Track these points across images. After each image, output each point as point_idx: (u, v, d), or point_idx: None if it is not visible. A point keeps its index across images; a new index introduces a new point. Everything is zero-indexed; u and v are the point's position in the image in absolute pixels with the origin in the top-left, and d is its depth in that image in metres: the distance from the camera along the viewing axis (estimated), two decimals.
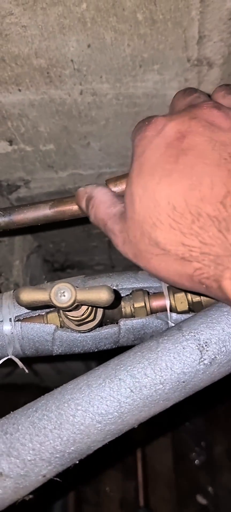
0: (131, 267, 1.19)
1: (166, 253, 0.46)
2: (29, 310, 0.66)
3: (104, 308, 0.58)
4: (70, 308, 0.51)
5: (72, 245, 1.20)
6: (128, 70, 0.67)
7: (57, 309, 0.65)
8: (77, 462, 0.49)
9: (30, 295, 0.50)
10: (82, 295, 0.50)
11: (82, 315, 0.57)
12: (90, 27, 0.60)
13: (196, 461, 2.45)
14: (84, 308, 0.57)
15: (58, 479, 0.49)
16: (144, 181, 0.48)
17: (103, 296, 0.49)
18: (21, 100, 0.71)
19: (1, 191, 0.93)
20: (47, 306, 0.54)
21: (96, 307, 0.61)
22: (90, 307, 0.58)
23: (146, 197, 0.48)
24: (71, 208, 0.56)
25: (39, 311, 0.66)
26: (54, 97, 0.71)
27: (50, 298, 0.50)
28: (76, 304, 0.51)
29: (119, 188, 0.59)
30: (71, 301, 0.50)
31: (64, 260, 1.28)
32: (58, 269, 1.32)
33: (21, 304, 0.51)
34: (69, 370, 2.00)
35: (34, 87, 0.69)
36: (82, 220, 0.63)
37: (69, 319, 0.60)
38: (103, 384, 0.49)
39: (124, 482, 2.44)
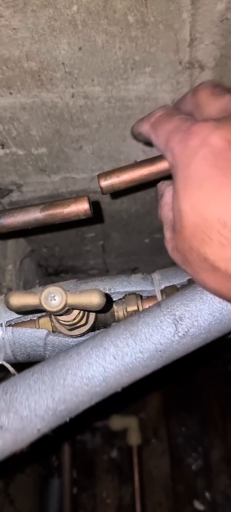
0: (125, 271, 1.19)
1: (216, 269, 0.46)
2: (20, 315, 0.65)
3: (96, 312, 0.58)
4: (61, 312, 0.50)
5: (66, 250, 1.19)
6: (119, 73, 0.66)
7: (48, 313, 0.65)
8: (68, 420, 0.55)
9: (20, 299, 0.50)
10: (73, 299, 0.49)
11: (74, 319, 0.57)
12: (81, 30, 0.59)
13: (193, 466, 2.44)
14: (76, 312, 0.56)
15: (51, 434, 0.55)
16: (191, 196, 0.46)
17: (94, 299, 0.49)
18: (12, 104, 0.71)
19: None
20: (38, 310, 0.53)
21: (88, 311, 0.60)
22: (82, 312, 0.57)
23: (194, 213, 0.46)
24: (62, 211, 0.56)
25: (31, 316, 0.66)
26: (46, 101, 0.70)
27: (40, 302, 0.49)
28: (67, 308, 0.50)
29: (108, 181, 0.59)
30: (62, 305, 0.49)
31: (58, 264, 1.27)
32: (52, 273, 1.31)
33: (11, 308, 0.51)
34: None
35: (25, 90, 0.68)
36: (74, 223, 0.63)
37: (61, 323, 0.59)
38: (90, 352, 0.54)
39: (120, 487, 2.43)
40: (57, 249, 1.18)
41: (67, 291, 0.50)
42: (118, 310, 0.65)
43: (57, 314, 0.51)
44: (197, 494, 2.32)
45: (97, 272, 1.32)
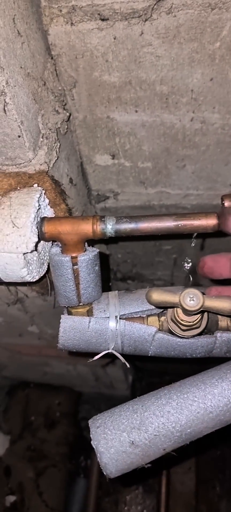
0: (190, 286, 1.24)
1: None
2: (132, 311, 0.72)
3: (229, 316, 0.64)
4: (196, 312, 0.57)
5: (139, 258, 1.26)
6: None
7: (158, 313, 0.71)
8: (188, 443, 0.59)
9: (161, 295, 0.56)
10: (209, 302, 0.56)
11: (194, 321, 0.63)
12: (217, 63, 0.66)
13: (218, 489, 2.45)
14: (198, 315, 0.62)
15: (174, 454, 0.60)
16: None
17: (228, 306, 0.55)
18: (135, 120, 0.78)
19: (90, 200, 1.00)
20: (170, 307, 0.59)
21: (202, 317, 0.66)
22: (200, 316, 0.63)
23: None
24: (192, 223, 0.62)
25: (141, 313, 0.72)
26: (165, 121, 0.77)
27: (179, 301, 0.56)
28: (201, 309, 0.57)
29: None
30: (199, 305, 0.55)
31: (128, 270, 1.34)
32: (120, 279, 1.38)
33: (151, 302, 0.57)
34: (107, 376, 2.05)
35: (150, 110, 0.76)
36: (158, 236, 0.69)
37: (177, 323, 0.65)
38: (216, 383, 0.59)
39: (144, 497, 2.45)
40: (132, 256, 1.25)
41: (204, 294, 0.56)
42: (221, 320, 0.71)
43: (192, 314, 0.57)
44: None
45: (162, 283, 1.38)
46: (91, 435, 0.61)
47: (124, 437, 0.58)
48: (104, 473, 0.61)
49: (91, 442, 0.61)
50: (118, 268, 1.33)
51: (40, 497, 2.35)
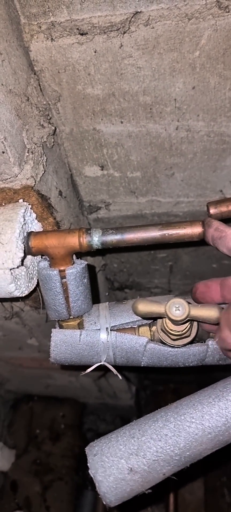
0: (187, 293, 1.24)
1: None
2: (123, 322, 0.72)
3: (216, 324, 0.63)
4: (182, 322, 0.56)
5: (135, 267, 1.26)
6: (224, 111, 0.73)
7: (148, 323, 0.71)
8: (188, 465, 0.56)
9: (147, 306, 0.56)
10: (195, 311, 0.55)
11: (183, 330, 0.62)
12: (198, 72, 0.66)
13: (227, 497, 2.42)
14: (186, 324, 0.62)
15: (174, 478, 0.57)
16: None
17: (214, 314, 0.55)
18: (121, 131, 0.78)
19: (82, 211, 1.01)
20: (158, 317, 0.59)
21: (192, 326, 0.66)
22: (189, 325, 0.63)
23: None
24: (178, 232, 0.62)
25: (132, 323, 0.72)
26: (151, 131, 0.78)
27: (165, 311, 0.55)
28: (187, 318, 0.56)
29: (217, 210, 0.65)
30: (185, 315, 0.55)
31: (124, 280, 1.33)
32: (117, 288, 1.38)
33: (137, 313, 0.57)
34: (110, 387, 2.05)
35: (135, 120, 0.76)
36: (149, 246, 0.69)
37: (167, 333, 0.65)
38: (213, 402, 0.57)
39: (152, 507, 2.43)
40: (127, 265, 1.25)
41: (189, 303, 0.56)
42: None
43: (179, 323, 0.57)
44: None
45: (160, 291, 1.38)
46: (88, 464, 0.60)
47: (122, 464, 0.57)
48: (104, 503, 0.60)
49: (89, 471, 0.59)
50: (114, 278, 1.33)
51: (47, 511, 2.33)
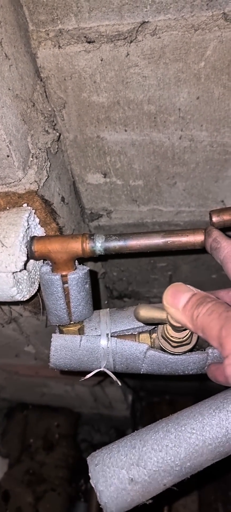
0: None
1: None
2: (124, 328, 0.72)
3: None
4: (183, 328, 0.56)
5: (135, 276, 1.26)
6: (227, 122, 0.74)
7: (149, 330, 0.71)
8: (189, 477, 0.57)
9: (148, 312, 0.56)
10: None
11: (184, 337, 0.62)
12: (203, 82, 0.67)
13: (221, 511, 2.40)
14: (186, 331, 0.62)
15: (175, 488, 0.57)
16: None
17: None
18: (124, 139, 0.79)
19: (83, 218, 1.01)
20: (159, 323, 0.59)
21: (192, 333, 0.66)
22: (190, 332, 0.63)
23: None
24: (180, 240, 0.63)
25: (132, 330, 0.72)
26: (155, 139, 0.78)
27: (167, 317, 0.55)
28: None
29: (220, 218, 0.65)
30: None
31: (123, 288, 1.34)
32: (116, 297, 1.38)
33: (139, 319, 0.57)
34: (106, 397, 2.04)
35: (139, 129, 0.77)
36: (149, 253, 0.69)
37: (167, 340, 0.65)
38: (213, 414, 0.57)
39: None
40: (127, 274, 1.25)
41: None
42: None
43: (180, 330, 0.57)
44: None
45: (159, 301, 1.37)
46: (90, 474, 0.60)
47: (123, 474, 0.57)
48: None
49: (90, 480, 0.59)
50: (113, 286, 1.33)
51: None
